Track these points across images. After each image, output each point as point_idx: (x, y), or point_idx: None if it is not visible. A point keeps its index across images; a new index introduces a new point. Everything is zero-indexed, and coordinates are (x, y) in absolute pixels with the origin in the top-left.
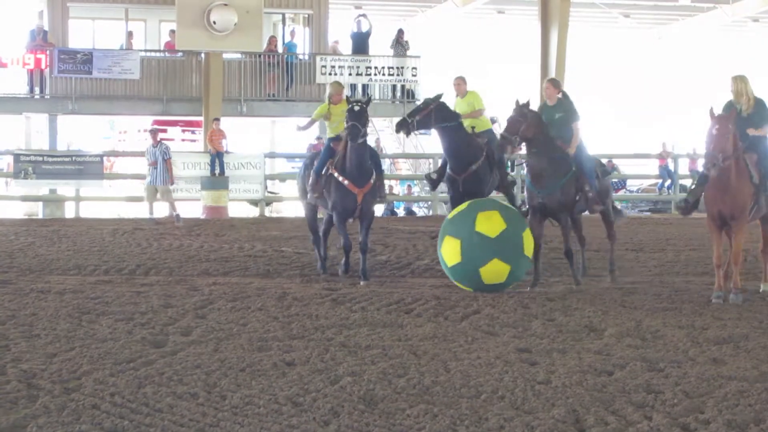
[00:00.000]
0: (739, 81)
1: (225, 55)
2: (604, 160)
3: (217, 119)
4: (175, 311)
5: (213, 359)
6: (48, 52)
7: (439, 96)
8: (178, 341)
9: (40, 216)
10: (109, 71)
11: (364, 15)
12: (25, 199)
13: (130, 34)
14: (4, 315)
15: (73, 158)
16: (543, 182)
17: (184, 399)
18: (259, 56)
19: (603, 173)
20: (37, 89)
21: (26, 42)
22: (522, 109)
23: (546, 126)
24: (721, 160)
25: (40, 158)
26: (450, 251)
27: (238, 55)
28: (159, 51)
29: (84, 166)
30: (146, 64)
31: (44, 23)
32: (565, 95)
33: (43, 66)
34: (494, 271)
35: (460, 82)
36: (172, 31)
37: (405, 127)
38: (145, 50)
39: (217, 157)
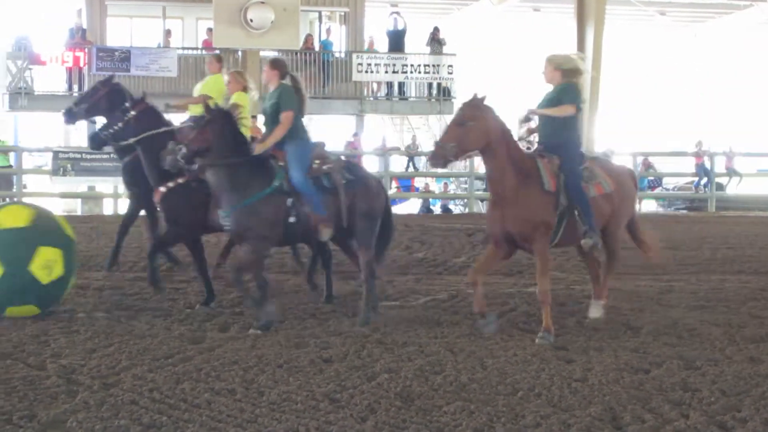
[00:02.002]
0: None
1: (262, 53)
2: (639, 158)
3: (254, 117)
4: (212, 308)
5: (250, 355)
6: (86, 50)
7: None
8: (216, 337)
9: (79, 213)
10: (147, 69)
11: (398, 13)
12: (63, 196)
13: (167, 32)
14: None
15: (111, 155)
16: (224, 202)
17: (221, 395)
18: (296, 54)
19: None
20: (75, 87)
21: (65, 40)
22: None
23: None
24: (453, 153)
25: (79, 155)
26: None
27: (275, 53)
28: (196, 48)
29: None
30: (183, 62)
31: (83, 21)
32: (294, 80)
33: (81, 64)
34: (46, 262)
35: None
36: (210, 29)
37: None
38: (183, 48)
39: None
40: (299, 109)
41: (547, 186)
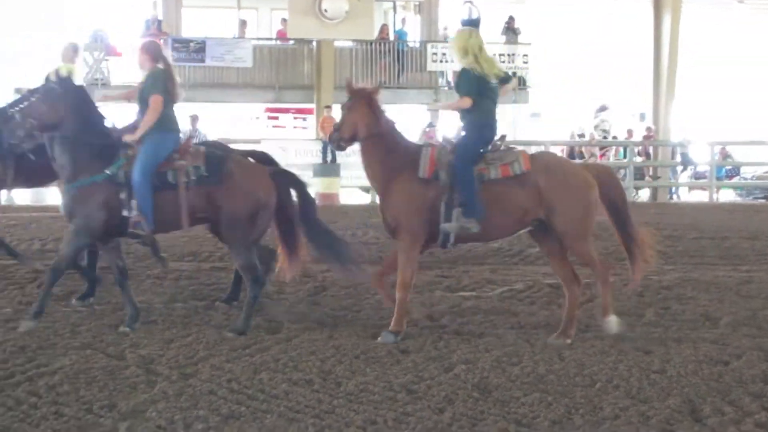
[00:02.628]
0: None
1: (336, 43)
2: (717, 147)
3: (329, 107)
4: (289, 298)
5: (328, 346)
6: (162, 41)
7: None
8: (293, 328)
9: None
10: (222, 59)
11: (471, 2)
12: None
13: (242, 23)
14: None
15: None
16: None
17: (299, 385)
18: (370, 44)
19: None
20: None
21: (141, 31)
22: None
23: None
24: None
25: None
26: None
27: (350, 43)
28: (271, 39)
29: None
30: (258, 52)
31: (159, 13)
32: (166, 65)
33: None
34: None
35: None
36: (284, 20)
37: None
38: (258, 38)
39: (328, 144)
40: (168, 96)
41: (422, 173)
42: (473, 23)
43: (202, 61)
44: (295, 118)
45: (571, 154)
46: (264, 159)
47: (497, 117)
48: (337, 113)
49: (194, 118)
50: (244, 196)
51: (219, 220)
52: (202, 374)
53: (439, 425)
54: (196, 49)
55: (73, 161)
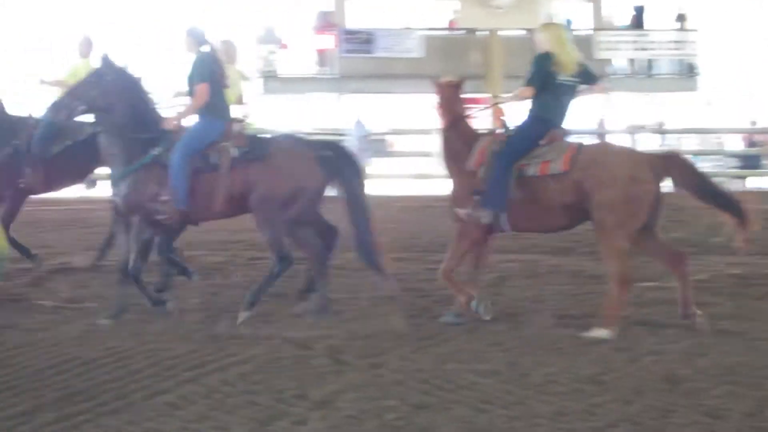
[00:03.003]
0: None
1: (505, 32)
2: None
3: (498, 96)
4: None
5: (512, 337)
6: (333, 33)
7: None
8: (478, 318)
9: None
10: (391, 50)
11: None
12: None
13: (411, 13)
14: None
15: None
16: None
17: (486, 376)
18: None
19: None
20: (323, 69)
21: (313, 23)
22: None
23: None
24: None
25: (327, 137)
26: None
27: (520, 32)
28: (440, 29)
29: (370, 144)
30: (429, 43)
31: (328, 4)
32: (210, 48)
33: (328, 46)
34: None
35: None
36: (455, 10)
37: None
38: (427, 28)
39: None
40: (215, 82)
41: (468, 165)
42: (640, 11)
43: (371, 52)
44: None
45: (752, 143)
46: (338, 151)
47: (560, 112)
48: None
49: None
50: (284, 176)
51: (252, 197)
52: (389, 364)
53: (627, 417)
54: (365, 40)
55: (122, 148)
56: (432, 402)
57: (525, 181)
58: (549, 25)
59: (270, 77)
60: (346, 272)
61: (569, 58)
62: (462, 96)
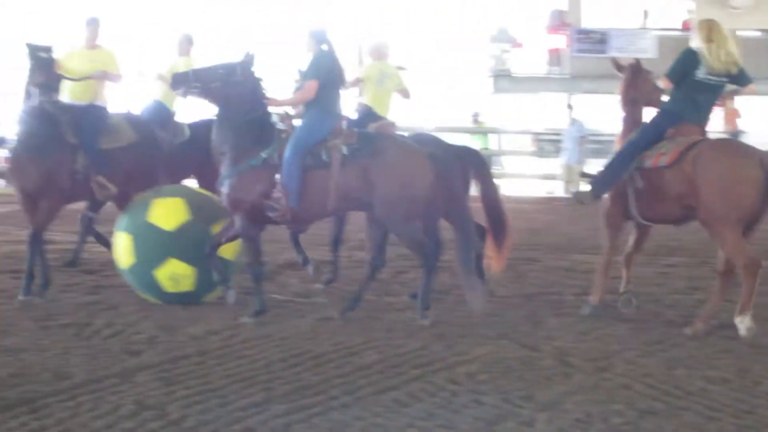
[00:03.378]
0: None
1: (743, 33)
2: None
3: (733, 98)
4: (702, 294)
5: (743, 344)
6: (565, 33)
7: None
8: (709, 324)
9: (557, 194)
10: (625, 50)
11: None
12: (545, 177)
13: (645, 13)
14: (533, 292)
15: (589, 137)
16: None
17: (716, 383)
18: None
19: None
20: (555, 69)
21: (546, 23)
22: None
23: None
24: None
25: (557, 137)
26: (122, 249)
27: (757, 33)
28: (676, 30)
29: (601, 146)
30: (662, 43)
31: (562, 4)
32: (329, 47)
33: (561, 46)
34: (173, 275)
35: None
36: (689, 10)
37: None
38: (661, 29)
39: (733, 136)
40: (330, 80)
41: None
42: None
43: (605, 51)
44: None
45: None
46: (472, 158)
47: (693, 108)
48: (738, 105)
49: (570, 107)
50: (392, 173)
51: (373, 200)
52: (616, 368)
53: None
54: (599, 40)
55: (234, 146)
56: (659, 408)
57: (643, 172)
58: (704, 21)
59: (501, 76)
60: (574, 273)
61: (719, 56)
62: (644, 79)
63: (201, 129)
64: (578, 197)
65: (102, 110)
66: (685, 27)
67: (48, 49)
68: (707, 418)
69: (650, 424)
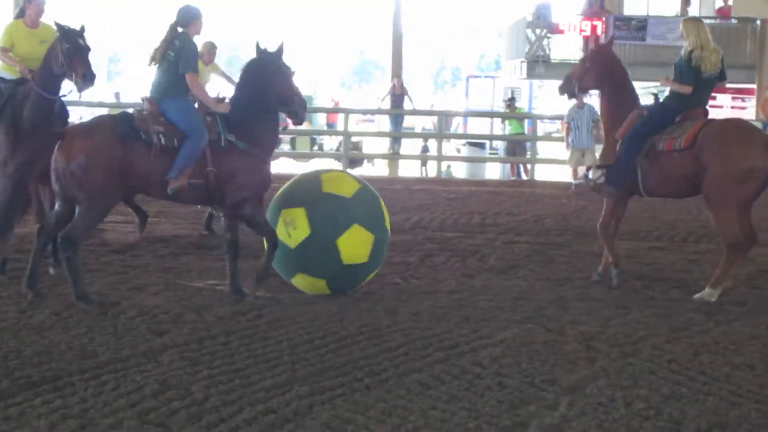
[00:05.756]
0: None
1: None
2: None
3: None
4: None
5: None
6: (603, 19)
7: None
8: (733, 311)
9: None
10: (664, 38)
11: None
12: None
13: (685, 1)
14: (561, 276)
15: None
16: None
17: (741, 369)
18: None
19: None
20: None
21: (583, 8)
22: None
23: None
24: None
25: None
26: (296, 224)
27: None
28: (713, 18)
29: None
30: None
31: None
32: None
33: (598, 32)
34: (355, 242)
35: None
36: None
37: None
38: (699, 17)
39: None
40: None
41: (618, 134)
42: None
43: (643, 39)
44: (733, 98)
45: None
46: None
47: (695, 103)
48: None
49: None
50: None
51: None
52: (641, 353)
53: None
54: (638, 27)
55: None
56: (683, 393)
57: (655, 155)
58: (691, 22)
59: (536, 61)
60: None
61: (711, 56)
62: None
63: None
64: (599, 191)
65: None
66: (722, 14)
67: None
68: (731, 404)
69: (673, 408)
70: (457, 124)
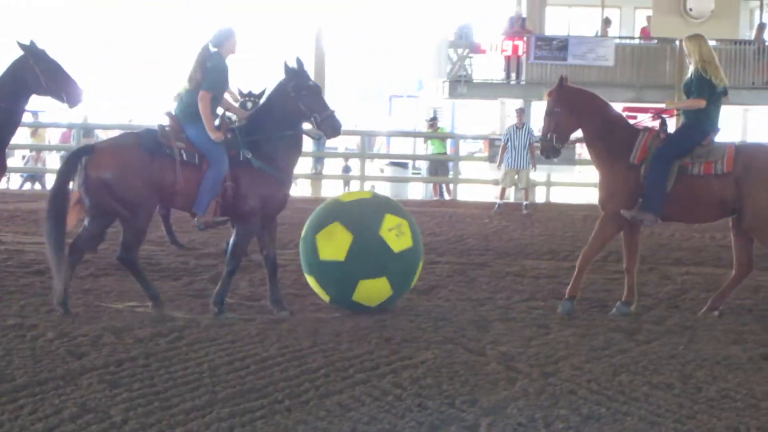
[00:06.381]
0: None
1: None
2: None
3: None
4: (649, 300)
5: (688, 350)
6: (525, 39)
7: None
8: (652, 330)
9: (512, 200)
10: (584, 58)
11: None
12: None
13: (606, 21)
14: (482, 297)
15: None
16: None
17: (659, 389)
18: (735, 44)
19: None
20: (513, 75)
21: (504, 29)
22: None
23: None
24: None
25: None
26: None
27: (713, 42)
28: (634, 38)
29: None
30: (620, 51)
31: (522, 10)
32: None
33: (519, 52)
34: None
35: None
36: (649, 17)
37: None
38: (620, 37)
39: None
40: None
41: (632, 158)
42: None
43: (564, 59)
44: (653, 118)
45: None
46: None
47: (717, 120)
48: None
49: (520, 111)
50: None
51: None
52: (561, 373)
53: None
54: (559, 47)
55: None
56: (602, 413)
57: (686, 179)
58: (694, 39)
59: (458, 81)
60: (523, 279)
61: (718, 71)
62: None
63: None
64: (640, 220)
65: None
66: (644, 34)
67: None
68: (650, 423)
69: (592, 429)
70: (380, 144)
